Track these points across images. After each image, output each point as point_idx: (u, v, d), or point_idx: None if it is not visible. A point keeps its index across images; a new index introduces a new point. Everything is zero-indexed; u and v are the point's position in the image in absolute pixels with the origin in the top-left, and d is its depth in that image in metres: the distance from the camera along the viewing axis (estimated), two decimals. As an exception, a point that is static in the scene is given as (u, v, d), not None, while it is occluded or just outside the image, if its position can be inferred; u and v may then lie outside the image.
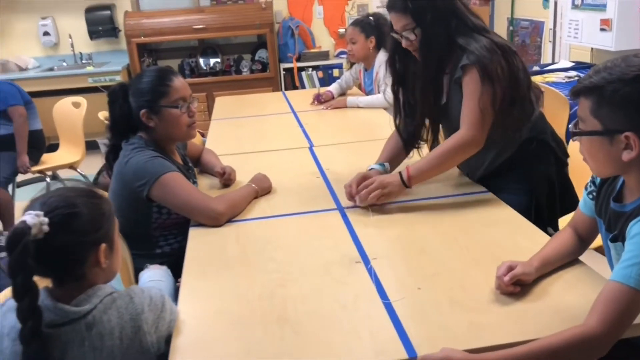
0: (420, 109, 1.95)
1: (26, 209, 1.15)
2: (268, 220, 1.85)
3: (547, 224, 1.88)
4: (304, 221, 1.83)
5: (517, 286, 1.31)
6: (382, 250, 1.59)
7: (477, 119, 1.74)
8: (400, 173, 1.82)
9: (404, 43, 1.86)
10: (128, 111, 1.92)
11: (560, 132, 3.36)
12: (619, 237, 1.24)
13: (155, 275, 1.61)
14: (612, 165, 1.21)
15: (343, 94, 3.61)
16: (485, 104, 1.72)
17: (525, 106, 1.80)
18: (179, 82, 1.93)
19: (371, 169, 2.00)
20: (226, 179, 2.16)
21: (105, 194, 1.32)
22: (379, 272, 1.47)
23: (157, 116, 1.90)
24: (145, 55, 5.71)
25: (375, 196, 1.80)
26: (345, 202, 1.92)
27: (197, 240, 1.74)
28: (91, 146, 4.51)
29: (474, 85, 1.74)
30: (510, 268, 1.32)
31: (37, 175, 4.04)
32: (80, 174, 4.23)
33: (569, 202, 1.91)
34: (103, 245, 1.22)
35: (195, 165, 2.31)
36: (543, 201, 1.88)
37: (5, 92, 3.79)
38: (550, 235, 1.60)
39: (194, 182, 2.09)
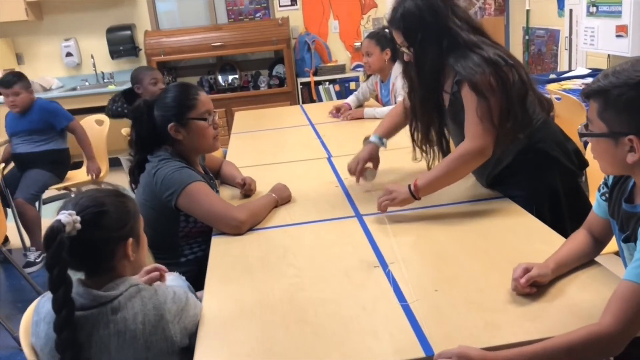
0: (421, 119, 2.03)
1: (60, 210, 1.25)
2: (288, 228, 1.90)
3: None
4: (323, 228, 1.88)
5: (534, 287, 1.33)
6: (400, 255, 1.62)
7: (478, 130, 1.78)
8: (409, 185, 1.86)
9: (405, 57, 1.93)
10: (153, 126, 1.99)
11: (578, 139, 3.37)
12: (631, 237, 1.26)
13: (171, 281, 1.67)
14: (618, 166, 1.25)
15: (360, 105, 3.66)
16: (483, 115, 1.76)
17: (519, 117, 1.79)
18: (204, 96, 2.02)
19: (369, 141, 2.18)
20: (247, 189, 2.21)
21: (131, 193, 1.41)
22: (396, 276, 1.50)
23: (185, 129, 1.97)
24: (165, 73, 5.83)
25: (384, 205, 1.87)
26: (363, 209, 1.97)
27: (220, 247, 1.79)
28: (113, 163, 4.62)
29: (469, 98, 1.78)
30: (527, 270, 1.34)
31: (63, 192, 4.14)
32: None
33: (580, 212, 1.73)
34: (130, 240, 1.32)
35: (216, 177, 2.37)
36: (544, 211, 1.87)
37: (59, 111, 4.02)
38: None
39: (216, 192, 2.15)
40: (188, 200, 1.86)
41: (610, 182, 1.41)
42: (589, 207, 1.70)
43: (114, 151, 4.75)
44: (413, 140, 2.10)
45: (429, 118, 2.00)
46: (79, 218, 1.21)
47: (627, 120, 1.18)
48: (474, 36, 1.82)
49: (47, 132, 3.98)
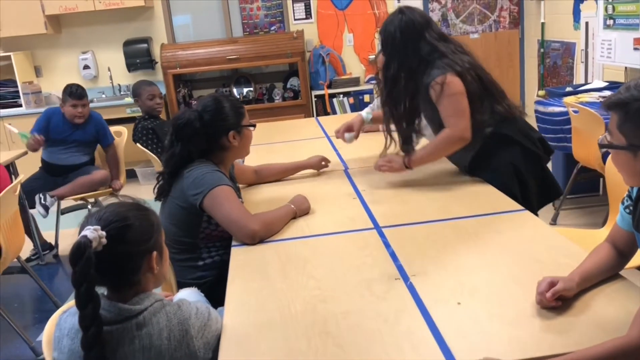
0: (397, 122, 2.36)
1: (83, 225, 1.25)
2: (307, 239, 1.90)
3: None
4: (342, 240, 1.87)
5: (559, 301, 1.32)
6: (421, 267, 1.61)
7: (453, 121, 2.18)
8: (403, 159, 2.31)
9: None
10: (206, 137, 2.04)
11: (597, 149, 3.34)
12: None
13: (189, 296, 1.67)
14: (634, 177, 1.25)
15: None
16: (454, 110, 2.16)
17: (480, 111, 2.20)
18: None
19: (359, 114, 2.78)
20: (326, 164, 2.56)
21: (152, 207, 1.42)
22: (418, 289, 1.49)
23: (240, 136, 2.11)
24: (181, 85, 5.89)
25: (382, 168, 2.36)
26: (382, 221, 1.97)
27: (240, 258, 1.79)
28: (129, 175, 4.66)
29: (437, 99, 2.17)
30: (552, 284, 1.33)
31: (80, 202, 4.18)
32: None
33: (546, 192, 2.32)
34: (154, 253, 1.32)
35: (248, 184, 2.52)
36: (514, 189, 2.19)
37: (107, 128, 4.24)
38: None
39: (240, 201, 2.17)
40: (212, 201, 1.91)
41: (634, 194, 1.39)
42: (555, 188, 2.33)
43: (129, 163, 4.80)
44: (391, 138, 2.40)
45: (398, 118, 2.35)
46: (104, 233, 1.21)
47: None
48: (444, 46, 2.21)
49: (93, 145, 4.21)
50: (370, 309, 1.42)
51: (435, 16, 6.01)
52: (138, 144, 3.91)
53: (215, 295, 1.74)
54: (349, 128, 2.76)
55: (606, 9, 4.08)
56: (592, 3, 4.70)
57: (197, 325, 1.29)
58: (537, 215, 2.14)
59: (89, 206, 4.33)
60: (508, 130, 2.24)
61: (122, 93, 5.96)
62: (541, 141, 2.31)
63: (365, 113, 2.84)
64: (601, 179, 4.11)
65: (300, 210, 2.09)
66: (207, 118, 2.04)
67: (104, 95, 5.98)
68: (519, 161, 2.23)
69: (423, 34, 2.21)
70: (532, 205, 2.17)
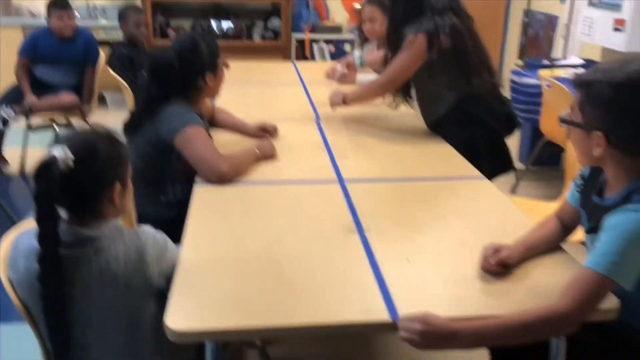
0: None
1: (52, 145, 1.27)
2: (271, 185, 1.93)
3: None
4: (305, 190, 1.91)
5: (501, 267, 1.40)
6: (377, 223, 1.67)
7: (390, 71, 2.35)
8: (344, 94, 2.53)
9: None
10: (182, 78, 2.02)
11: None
12: (596, 229, 1.33)
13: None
14: (587, 157, 1.33)
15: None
16: (397, 63, 2.31)
17: (445, 76, 2.30)
18: None
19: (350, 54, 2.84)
20: (271, 132, 2.38)
21: (122, 139, 1.45)
22: (371, 243, 1.55)
23: (215, 76, 2.09)
24: (159, 12, 5.72)
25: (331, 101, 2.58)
26: (347, 174, 2.01)
27: (203, 197, 1.82)
28: (99, 99, 4.57)
29: (402, 49, 2.29)
30: (497, 250, 1.40)
31: (48, 122, 4.13)
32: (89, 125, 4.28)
33: (500, 167, 2.43)
34: (117, 185, 1.34)
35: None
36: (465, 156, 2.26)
37: (96, 45, 4.13)
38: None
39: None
40: (185, 140, 1.92)
41: (586, 175, 1.46)
42: (507, 162, 2.45)
43: (99, 86, 4.69)
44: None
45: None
46: (72, 156, 1.23)
47: (600, 117, 1.25)
48: (435, 1, 2.24)
49: (82, 66, 4.12)
50: (324, 257, 1.47)
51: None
52: (111, 70, 3.82)
53: (173, 234, 1.76)
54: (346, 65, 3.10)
55: (594, -15, 4.08)
56: (581, -22, 4.69)
57: (153, 253, 1.32)
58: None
59: (55, 126, 4.26)
60: (474, 108, 2.31)
61: (97, 14, 5.75)
62: (508, 116, 2.39)
63: (356, 58, 3.00)
64: (562, 154, 4.22)
65: (264, 156, 2.12)
66: (185, 58, 2.02)
67: (78, 15, 5.73)
68: (477, 141, 2.31)
69: None
70: (482, 170, 2.22)
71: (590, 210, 1.39)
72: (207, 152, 1.92)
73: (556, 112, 3.59)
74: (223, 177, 1.91)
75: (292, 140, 2.37)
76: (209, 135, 2.10)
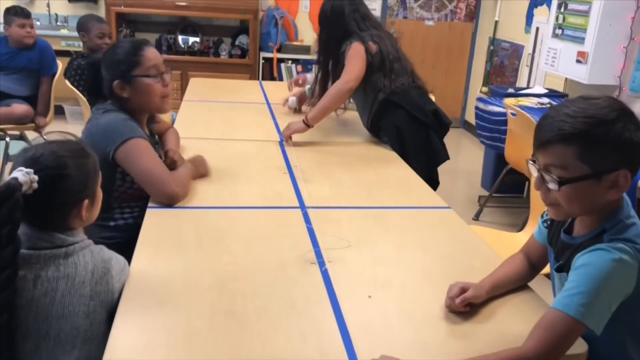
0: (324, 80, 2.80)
1: (16, 162, 1.22)
2: (228, 210, 1.84)
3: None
4: (264, 216, 1.82)
5: (467, 307, 1.33)
6: (338, 254, 1.59)
7: (344, 75, 2.57)
8: (303, 119, 2.59)
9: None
10: (100, 84, 1.91)
11: (528, 154, 3.43)
12: (564, 268, 1.27)
13: None
14: (591, 206, 1.21)
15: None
16: (348, 66, 2.57)
17: (376, 80, 2.63)
18: (152, 52, 1.93)
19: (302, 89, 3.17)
20: (169, 163, 2.04)
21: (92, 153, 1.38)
22: (332, 276, 1.47)
23: (130, 86, 1.89)
24: (124, 25, 5.59)
25: (286, 136, 2.58)
26: (309, 201, 1.93)
27: (154, 220, 1.71)
28: (56, 111, 4.40)
29: (346, 60, 2.59)
30: (463, 290, 1.34)
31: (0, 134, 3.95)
32: (44, 138, 4.10)
33: (427, 161, 2.64)
34: (86, 201, 1.31)
35: None
36: (396, 149, 2.60)
37: (54, 58, 4.02)
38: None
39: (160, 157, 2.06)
40: (127, 154, 1.80)
41: (554, 211, 1.41)
42: (441, 153, 2.68)
43: (58, 98, 4.52)
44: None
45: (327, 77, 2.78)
46: (36, 178, 1.18)
47: (616, 157, 1.15)
48: (363, 24, 2.66)
49: (35, 74, 3.97)
50: (281, 292, 1.38)
51: (394, -4, 5.96)
52: (68, 82, 3.67)
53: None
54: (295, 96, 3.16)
55: (557, 18, 4.15)
56: (545, 9, 4.79)
57: (116, 267, 1.32)
58: (435, 179, 2.68)
59: (7, 139, 4.08)
60: (398, 99, 2.62)
61: (58, 23, 5.59)
62: (435, 113, 2.66)
63: (307, 89, 3.13)
64: (527, 182, 4.24)
65: (198, 173, 2.03)
66: (97, 64, 1.92)
67: (38, 23, 5.57)
68: (403, 125, 2.61)
69: (347, 13, 2.65)
70: (414, 165, 2.45)
71: (559, 248, 1.34)
72: (155, 169, 1.81)
73: (520, 141, 3.60)
74: (175, 198, 1.81)
75: (253, 163, 2.28)
76: (157, 150, 1.99)
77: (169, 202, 1.80)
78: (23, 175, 1.16)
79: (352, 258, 1.58)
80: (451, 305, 1.33)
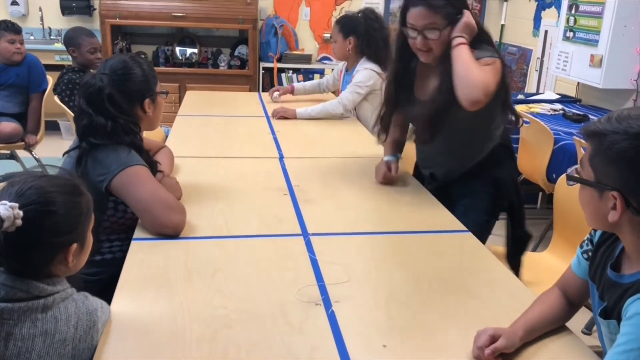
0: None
1: (1, 191, 1.09)
2: (222, 240, 1.65)
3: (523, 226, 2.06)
4: (263, 246, 1.63)
5: (499, 358, 1.14)
6: (347, 291, 1.40)
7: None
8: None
9: (418, 40, 1.86)
10: (118, 107, 1.71)
11: (543, 163, 3.25)
12: (612, 314, 1.09)
13: None
14: (600, 220, 1.10)
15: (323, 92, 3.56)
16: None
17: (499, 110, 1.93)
18: None
19: (387, 160, 2.17)
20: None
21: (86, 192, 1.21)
22: (340, 320, 1.28)
23: (154, 104, 1.83)
24: (120, 38, 5.43)
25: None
26: (312, 227, 1.74)
27: (137, 256, 1.52)
28: (50, 127, 4.25)
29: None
30: (493, 338, 1.14)
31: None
32: (34, 157, 3.94)
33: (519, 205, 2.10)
34: (74, 246, 1.16)
35: None
36: (516, 203, 2.05)
37: (44, 75, 3.90)
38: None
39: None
40: (127, 181, 1.62)
41: (596, 239, 1.23)
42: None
43: (52, 114, 4.38)
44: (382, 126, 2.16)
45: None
46: (21, 213, 1.04)
47: (616, 173, 1.03)
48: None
49: (24, 91, 3.84)
50: (282, 343, 1.19)
51: (398, 3, 5.79)
52: (57, 97, 3.50)
53: (106, 296, 1.46)
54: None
55: (568, 21, 3.97)
56: (554, 12, 4.61)
57: (102, 319, 1.18)
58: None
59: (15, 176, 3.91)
60: (508, 142, 2.08)
61: (52, 37, 5.44)
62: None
63: (392, 157, 2.29)
64: (541, 193, 4.05)
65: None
66: (119, 84, 1.71)
67: (32, 37, 5.43)
68: (512, 176, 2.09)
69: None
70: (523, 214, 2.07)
71: (604, 285, 1.15)
72: (162, 194, 1.65)
73: (534, 150, 3.41)
74: (179, 228, 1.65)
75: (250, 184, 2.09)
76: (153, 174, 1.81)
77: (173, 231, 1.63)
78: (6, 209, 1.02)
79: (362, 296, 1.39)
80: (480, 357, 1.14)
